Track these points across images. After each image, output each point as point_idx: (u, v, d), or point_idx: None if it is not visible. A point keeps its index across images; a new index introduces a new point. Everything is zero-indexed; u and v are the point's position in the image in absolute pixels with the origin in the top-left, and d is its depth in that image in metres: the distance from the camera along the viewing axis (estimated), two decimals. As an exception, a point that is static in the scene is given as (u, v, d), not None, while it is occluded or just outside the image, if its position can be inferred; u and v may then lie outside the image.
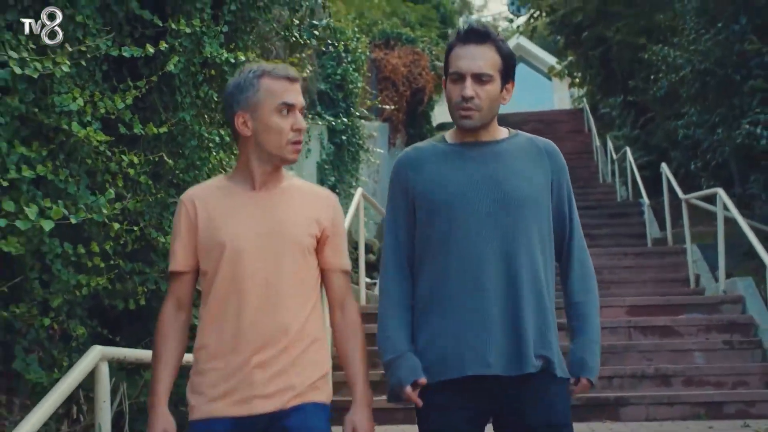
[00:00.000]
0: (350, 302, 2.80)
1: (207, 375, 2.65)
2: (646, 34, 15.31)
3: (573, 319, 2.71)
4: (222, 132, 5.83)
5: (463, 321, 2.56)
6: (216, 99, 5.80)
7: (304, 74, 7.10)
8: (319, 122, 11.29)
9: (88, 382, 4.12)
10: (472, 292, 2.56)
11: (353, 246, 9.51)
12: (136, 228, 5.04)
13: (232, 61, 5.54)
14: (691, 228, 10.22)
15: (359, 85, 12.61)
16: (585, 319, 2.68)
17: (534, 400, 2.57)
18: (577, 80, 21.26)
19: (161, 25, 5.28)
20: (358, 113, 12.55)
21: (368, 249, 11.04)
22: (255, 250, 2.65)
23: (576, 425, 2.76)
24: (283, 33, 7.78)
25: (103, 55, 4.89)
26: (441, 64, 19.17)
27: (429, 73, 17.80)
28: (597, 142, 18.74)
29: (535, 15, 19.86)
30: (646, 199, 13.33)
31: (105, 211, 4.51)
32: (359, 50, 12.63)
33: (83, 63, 4.69)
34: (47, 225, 4.13)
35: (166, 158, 5.29)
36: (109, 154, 4.85)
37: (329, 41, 11.11)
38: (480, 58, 2.58)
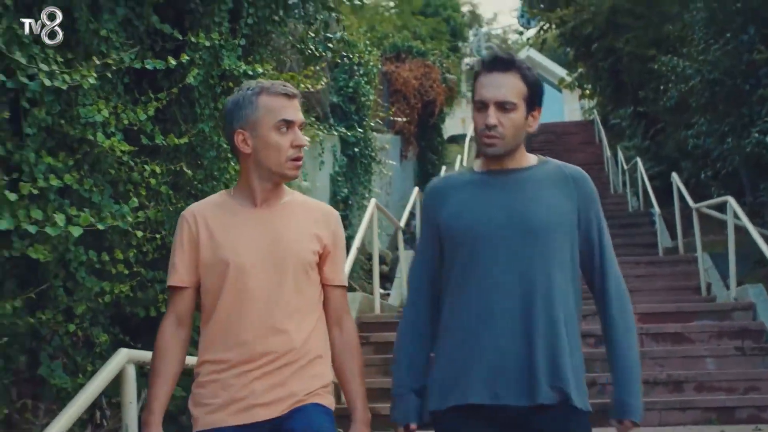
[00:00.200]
0: (347, 319, 2.81)
1: (208, 387, 2.67)
2: (655, 45, 15.37)
3: (612, 357, 2.66)
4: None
5: (474, 349, 2.55)
6: (234, 111, 5.87)
7: (319, 86, 7.18)
8: (335, 133, 11.39)
9: (111, 389, 4.16)
10: (486, 320, 2.55)
11: (367, 257, 9.54)
12: (157, 236, 5.13)
13: (250, 73, 5.62)
14: (702, 237, 10.21)
15: (371, 97, 12.64)
16: (624, 360, 2.64)
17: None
18: (588, 92, 21.34)
19: (181, 38, 5.38)
20: (370, 125, 12.64)
21: (381, 260, 11.12)
22: (258, 267, 2.64)
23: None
24: (298, 45, 7.88)
25: (125, 68, 4.99)
26: (452, 77, 19.34)
27: (440, 85, 17.82)
28: (608, 153, 18.80)
29: (544, 27, 19.81)
30: (657, 209, 13.35)
31: (129, 219, 4.60)
32: (371, 63, 12.71)
33: (109, 75, 4.77)
34: (76, 231, 4.20)
35: (185, 169, 5.36)
36: (131, 164, 4.94)
37: (343, 53, 11.20)
38: (504, 86, 2.56)
